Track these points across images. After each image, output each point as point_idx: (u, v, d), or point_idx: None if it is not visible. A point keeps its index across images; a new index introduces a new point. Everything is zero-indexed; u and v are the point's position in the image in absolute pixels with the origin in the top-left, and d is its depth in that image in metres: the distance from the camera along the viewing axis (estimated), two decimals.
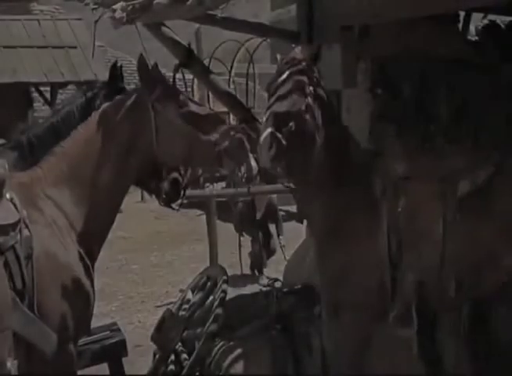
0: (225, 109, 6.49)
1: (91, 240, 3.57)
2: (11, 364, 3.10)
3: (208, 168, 4.03)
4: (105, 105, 3.69)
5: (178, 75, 4.85)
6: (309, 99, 3.47)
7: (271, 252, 8.63)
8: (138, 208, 11.99)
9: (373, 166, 3.72)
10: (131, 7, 4.14)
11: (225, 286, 4.27)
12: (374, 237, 3.63)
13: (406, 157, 3.67)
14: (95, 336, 4.42)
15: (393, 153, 3.69)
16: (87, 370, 4.38)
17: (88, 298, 3.52)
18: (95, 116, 3.65)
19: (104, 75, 4.46)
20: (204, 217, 8.35)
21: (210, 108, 7.33)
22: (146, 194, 13.84)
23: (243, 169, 3.66)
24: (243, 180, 3.84)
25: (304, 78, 3.49)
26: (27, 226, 3.26)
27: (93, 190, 3.54)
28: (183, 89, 4.95)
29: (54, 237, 3.40)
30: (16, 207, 3.26)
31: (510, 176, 3.60)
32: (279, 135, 3.34)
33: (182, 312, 4.47)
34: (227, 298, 4.32)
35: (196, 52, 5.58)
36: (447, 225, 3.52)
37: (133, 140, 3.61)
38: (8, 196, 3.26)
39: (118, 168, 3.59)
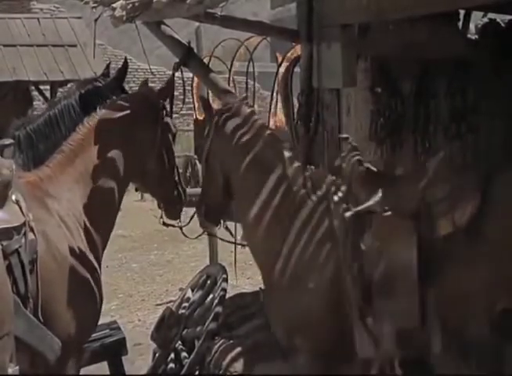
0: None
1: (98, 241, 3.54)
2: (12, 370, 3.03)
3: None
4: (117, 104, 3.66)
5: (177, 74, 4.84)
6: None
7: None
8: (137, 207, 11.97)
9: (329, 193, 3.26)
10: (130, 5, 4.15)
11: (224, 284, 4.27)
12: (330, 279, 3.14)
13: (372, 186, 3.07)
14: (95, 334, 4.41)
15: (356, 179, 3.10)
16: (87, 369, 4.38)
17: (95, 302, 3.48)
18: (105, 113, 3.60)
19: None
20: None
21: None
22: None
23: None
24: None
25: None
26: (32, 229, 3.16)
27: (101, 190, 3.51)
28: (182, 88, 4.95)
29: (64, 239, 3.34)
30: (22, 210, 3.16)
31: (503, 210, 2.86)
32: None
33: (181, 311, 4.47)
34: (227, 296, 4.32)
35: (195, 50, 5.58)
36: (425, 267, 2.90)
37: (140, 146, 3.62)
38: (13, 198, 3.17)
39: (124, 168, 3.58)
